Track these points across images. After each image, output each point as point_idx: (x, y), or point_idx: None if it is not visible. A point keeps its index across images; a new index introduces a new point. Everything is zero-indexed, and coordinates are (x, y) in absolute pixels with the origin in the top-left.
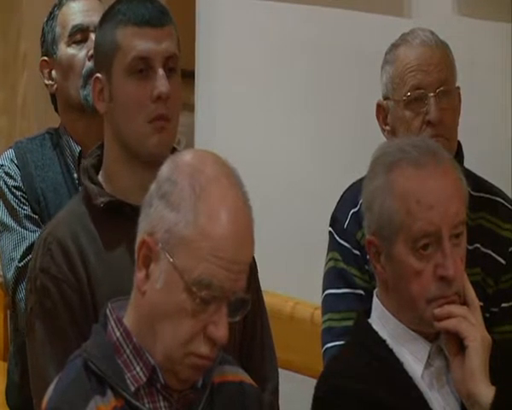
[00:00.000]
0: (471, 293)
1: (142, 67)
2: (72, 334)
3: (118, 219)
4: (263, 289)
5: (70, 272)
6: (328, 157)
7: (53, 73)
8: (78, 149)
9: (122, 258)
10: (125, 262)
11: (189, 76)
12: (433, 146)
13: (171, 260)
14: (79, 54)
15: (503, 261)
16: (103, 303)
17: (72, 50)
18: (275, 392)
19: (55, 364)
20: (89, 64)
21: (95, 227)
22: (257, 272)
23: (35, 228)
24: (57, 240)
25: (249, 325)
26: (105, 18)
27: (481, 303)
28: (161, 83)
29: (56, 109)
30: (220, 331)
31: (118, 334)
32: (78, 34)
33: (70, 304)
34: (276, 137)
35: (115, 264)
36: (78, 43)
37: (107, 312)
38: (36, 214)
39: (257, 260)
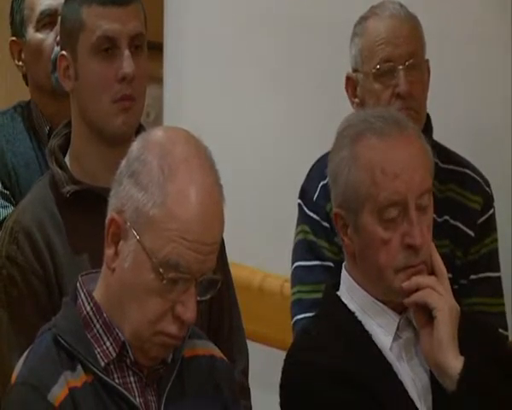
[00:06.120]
0: (439, 262)
1: (108, 47)
2: (37, 323)
3: (84, 205)
4: (232, 261)
5: (36, 261)
6: (298, 130)
7: (23, 54)
8: (47, 127)
9: (89, 246)
10: (91, 251)
11: (157, 48)
12: (397, 116)
13: (139, 239)
14: (48, 38)
15: (471, 233)
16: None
17: (40, 35)
18: (244, 373)
19: (20, 353)
20: (57, 49)
21: (61, 215)
22: (224, 250)
23: (6, 204)
24: (24, 229)
25: (215, 307)
26: None
27: (450, 275)
28: (127, 63)
29: (28, 84)
30: (188, 312)
31: (88, 308)
32: (47, 18)
33: (36, 293)
34: (245, 111)
35: (82, 253)
36: (46, 27)
37: (78, 285)
38: (7, 190)
39: (226, 233)
